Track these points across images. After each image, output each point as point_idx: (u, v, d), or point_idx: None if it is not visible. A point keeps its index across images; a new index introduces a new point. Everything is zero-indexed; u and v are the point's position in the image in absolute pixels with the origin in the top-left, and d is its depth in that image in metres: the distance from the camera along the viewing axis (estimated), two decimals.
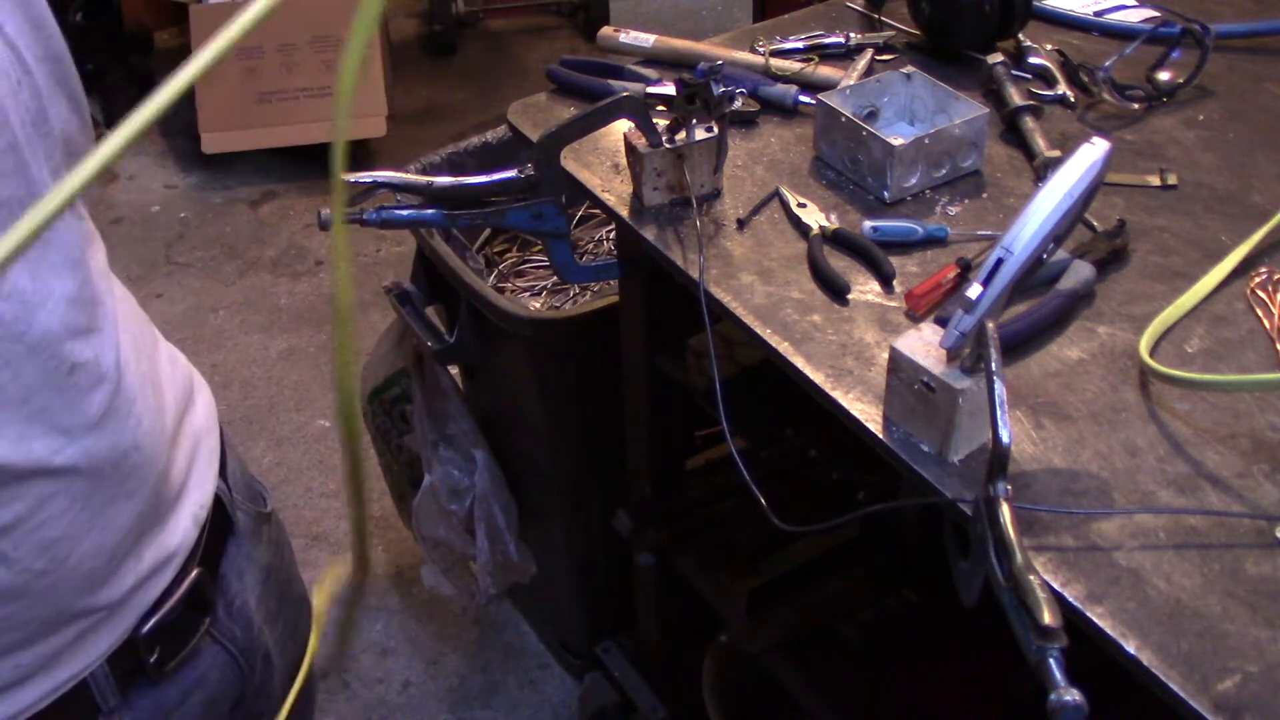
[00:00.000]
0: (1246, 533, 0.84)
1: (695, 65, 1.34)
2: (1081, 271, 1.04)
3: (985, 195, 1.20)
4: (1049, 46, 1.41)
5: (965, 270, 1.06)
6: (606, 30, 1.48)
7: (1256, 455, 0.90)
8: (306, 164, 3.33)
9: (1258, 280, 1.06)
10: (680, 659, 1.70)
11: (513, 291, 1.94)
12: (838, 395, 0.96)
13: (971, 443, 0.90)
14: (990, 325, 0.83)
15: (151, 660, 0.83)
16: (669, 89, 1.29)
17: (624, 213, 1.19)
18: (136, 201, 3.35)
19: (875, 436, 0.93)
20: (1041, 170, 1.21)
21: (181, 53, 3.55)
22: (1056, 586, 0.80)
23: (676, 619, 1.70)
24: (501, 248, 2.02)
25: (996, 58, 1.34)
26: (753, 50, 1.41)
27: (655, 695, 1.78)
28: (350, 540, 0.85)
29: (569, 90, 1.39)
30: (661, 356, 1.39)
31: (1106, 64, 1.32)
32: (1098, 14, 1.48)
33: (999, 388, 0.80)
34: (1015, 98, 1.28)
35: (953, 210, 1.18)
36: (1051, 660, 0.69)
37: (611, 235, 1.95)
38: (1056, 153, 1.22)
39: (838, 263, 1.10)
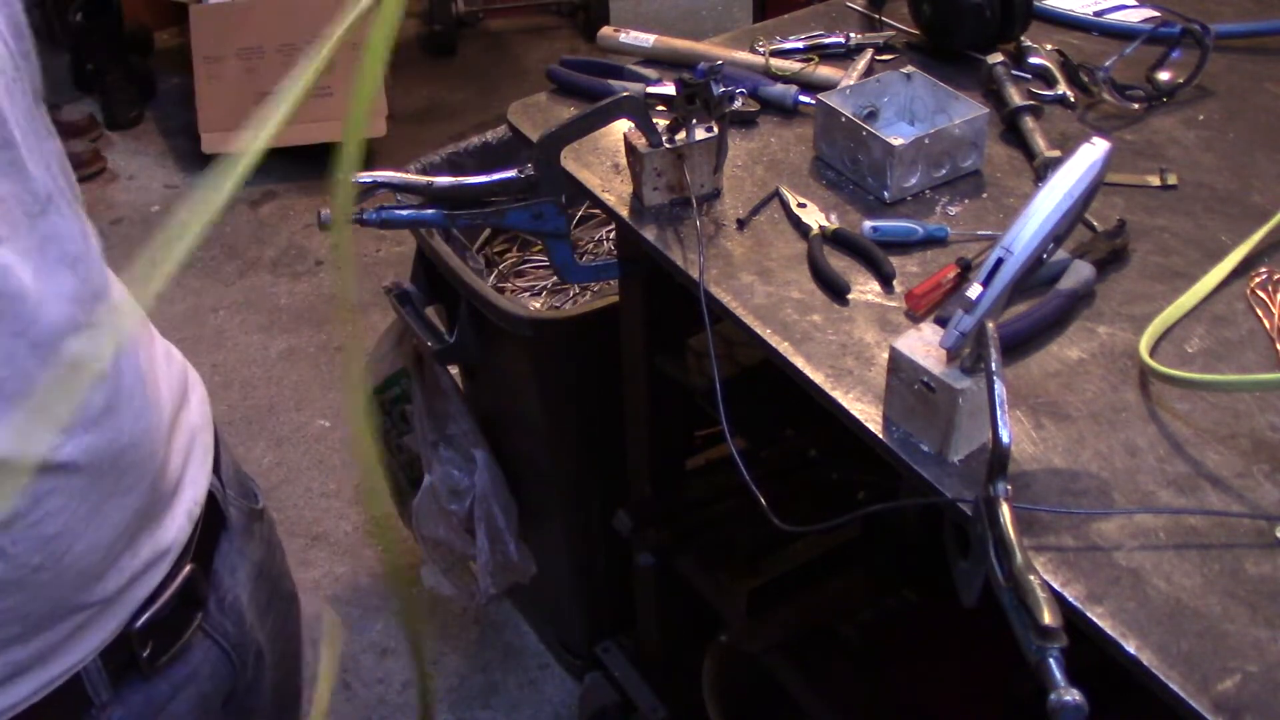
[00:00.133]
0: (1246, 533, 0.84)
1: (695, 65, 1.34)
2: (1081, 271, 1.04)
3: (985, 195, 1.20)
4: (1049, 46, 1.41)
5: (965, 270, 1.06)
6: (606, 30, 1.48)
7: (1256, 455, 0.90)
8: (306, 164, 3.32)
9: (1258, 280, 1.06)
10: (680, 659, 1.70)
11: (513, 291, 1.94)
12: (838, 395, 0.96)
13: (971, 443, 0.90)
14: (990, 325, 0.83)
15: (145, 655, 0.84)
16: (669, 89, 1.29)
17: (624, 213, 1.19)
18: (136, 201, 3.35)
19: (875, 436, 0.93)
20: (1041, 170, 1.21)
21: (181, 53, 3.55)
22: (1056, 586, 0.80)
23: (676, 619, 1.70)
24: (501, 248, 2.02)
25: (996, 58, 1.34)
26: (753, 50, 1.41)
27: (655, 695, 1.78)
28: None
29: (569, 90, 1.39)
30: (661, 356, 1.39)
31: (1106, 64, 1.32)
32: (1098, 14, 1.48)
33: (999, 388, 0.80)
34: (1015, 98, 1.28)
35: (953, 210, 1.18)
36: (1051, 660, 0.69)
37: (611, 235, 1.95)
38: (1056, 153, 1.22)
39: (838, 263, 1.10)
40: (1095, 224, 1.13)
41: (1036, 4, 1.43)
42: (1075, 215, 0.86)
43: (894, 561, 1.47)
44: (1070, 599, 0.79)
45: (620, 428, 1.52)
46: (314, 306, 2.95)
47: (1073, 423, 0.93)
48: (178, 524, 0.86)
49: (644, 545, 1.56)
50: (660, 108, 1.25)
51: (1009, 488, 0.79)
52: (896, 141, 1.15)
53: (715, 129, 1.16)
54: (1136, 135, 1.28)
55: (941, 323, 0.88)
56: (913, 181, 1.19)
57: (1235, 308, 1.04)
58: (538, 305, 1.92)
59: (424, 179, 1.17)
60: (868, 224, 1.13)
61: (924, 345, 0.88)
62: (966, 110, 1.20)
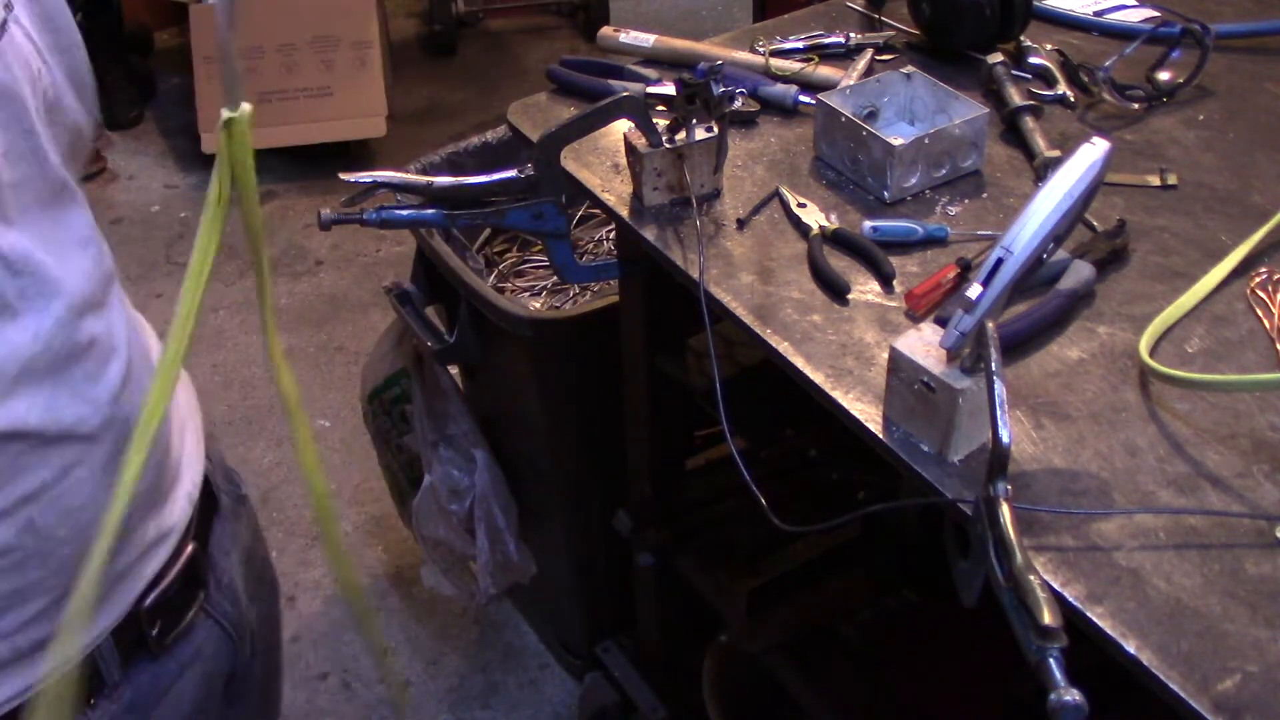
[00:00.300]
0: (1246, 533, 0.84)
1: (695, 65, 1.34)
2: (1081, 271, 1.04)
3: (985, 195, 1.20)
4: (1049, 46, 1.41)
5: (965, 270, 1.06)
6: (606, 30, 1.48)
7: (1256, 455, 0.90)
8: (306, 164, 3.33)
9: (1258, 280, 1.06)
10: (680, 659, 1.70)
11: (513, 291, 1.94)
12: (838, 395, 0.96)
13: (971, 443, 0.90)
14: (990, 325, 0.83)
15: (153, 634, 0.87)
16: (669, 89, 1.29)
17: (624, 213, 1.19)
18: (136, 201, 3.35)
19: (875, 436, 0.93)
20: (1041, 170, 1.21)
21: (181, 53, 3.56)
22: (1056, 586, 0.80)
23: (676, 619, 1.70)
24: (501, 248, 2.02)
25: (996, 58, 1.34)
26: (753, 50, 1.41)
27: (655, 695, 1.78)
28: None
29: (569, 90, 1.39)
30: (661, 356, 1.39)
31: (1106, 64, 1.32)
32: (1098, 14, 1.48)
33: (999, 388, 0.80)
34: (1015, 98, 1.28)
35: (953, 210, 1.18)
36: (1051, 660, 0.69)
37: (611, 235, 1.96)
38: (1056, 153, 1.22)
39: (838, 263, 1.10)
40: (1095, 224, 1.13)
41: (1036, 4, 1.43)
42: (1075, 215, 0.86)
43: (894, 561, 1.47)
44: (1070, 599, 0.79)
45: (620, 428, 1.52)
46: (314, 306, 2.95)
47: (1073, 423, 0.93)
48: (179, 505, 0.90)
49: (644, 545, 1.56)
50: (660, 108, 1.25)
51: (1009, 488, 0.79)
52: (896, 141, 1.15)
53: (715, 129, 1.16)
54: (1136, 135, 1.28)
55: (941, 323, 0.88)
56: (913, 181, 1.19)
57: (1235, 308, 1.04)
58: (538, 305, 1.92)
59: (424, 179, 1.17)
60: (868, 224, 1.14)
61: (924, 345, 0.88)
62: (966, 110, 1.20)
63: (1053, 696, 0.68)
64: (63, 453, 0.76)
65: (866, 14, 1.51)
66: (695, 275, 1.09)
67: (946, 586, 0.84)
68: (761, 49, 1.40)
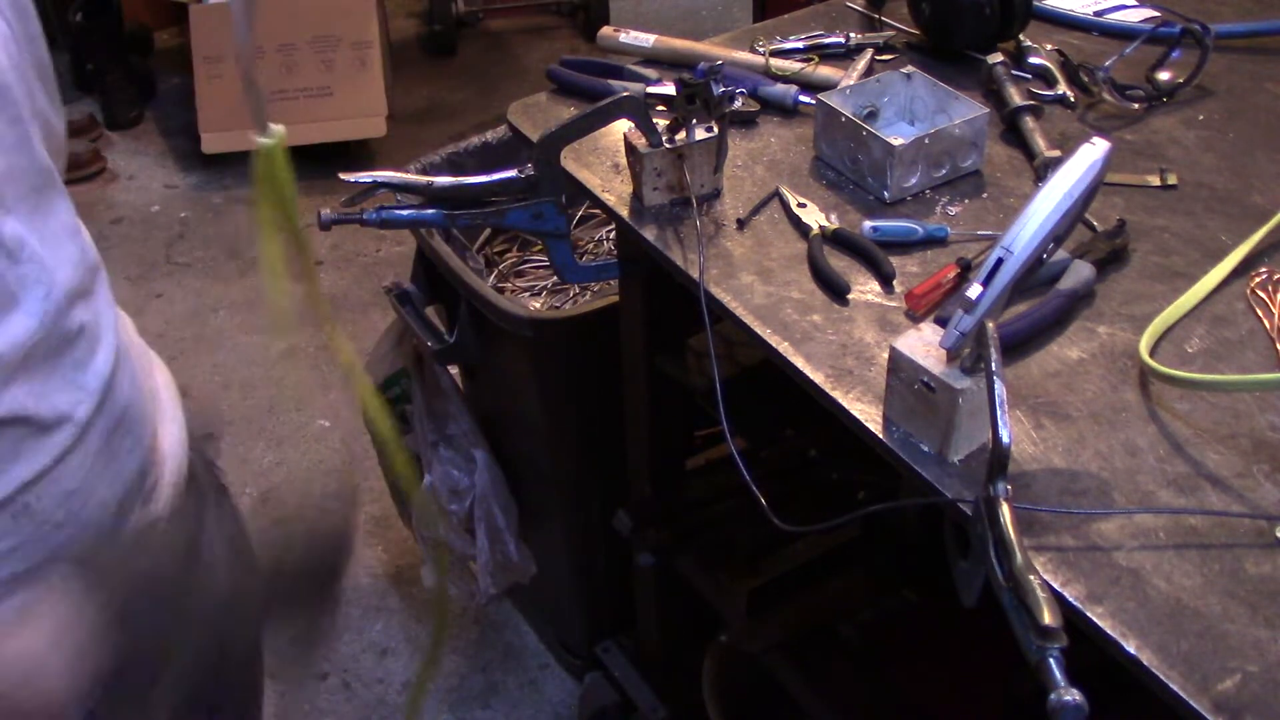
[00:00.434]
0: (1246, 533, 0.84)
1: (695, 65, 1.34)
2: (1081, 271, 1.04)
3: (985, 195, 1.20)
4: (1049, 46, 1.41)
5: (965, 270, 1.06)
6: (606, 30, 1.48)
7: (1256, 455, 0.90)
8: (306, 164, 3.31)
9: (1258, 280, 1.06)
10: (680, 659, 1.70)
11: (513, 291, 1.94)
12: (838, 395, 0.96)
13: (971, 443, 0.90)
14: (990, 325, 0.83)
15: None
16: (669, 89, 1.29)
17: (624, 213, 1.19)
18: (136, 201, 3.35)
19: (875, 436, 0.93)
20: (1041, 170, 1.21)
21: (181, 53, 3.55)
22: (1056, 586, 0.80)
23: (676, 619, 1.70)
24: (501, 248, 2.02)
25: (996, 58, 1.34)
26: (753, 50, 1.41)
27: (655, 695, 1.78)
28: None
29: (569, 90, 1.39)
30: (661, 356, 1.39)
31: (1106, 64, 1.32)
32: (1098, 14, 1.49)
33: (999, 388, 0.80)
34: (1015, 98, 1.28)
35: (953, 210, 1.18)
36: (1051, 660, 0.70)
37: (611, 235, 1.95)
38: (1056, 153, 1.22)
39: (838, 263, 1.10)
40: (1095, 224, 1.13)
41: (1036, 4, 1.44)
42: (1075, 215, 0.86)
43: (894, 561, 1.47)
44: (1070, 599, 0.79)
45: (620, 428, 1.52)
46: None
47: (1073, 423, 0.93)
48: (165, 493, 0.91)
49: (644, 545, 1.56)
50: (660, 108, 1.25)
51: (1009, 488, 0.79)
52: (896, 141, 1.15)
53: (715, 129, 1.16)
54: (1136, 135, 1.28)
55: (941, 323, 0.88)
56: (913, 181, 1.19)
57: (1235, 308, 1.04)
58: (538, 305, 1.92)
59: (424, 179, 1.17)
60: (868, 224, 1.14)
61: (924, 345, 0.88)
62: (966, 110, 1.20)
63: (1053, 696, 0.68)
64: (59, 439, 0.78)
65: (866, 14, 1.51)
66: (695, 275, 1.09)
67: (946, 586, 0.84)
68: (761, 49, 1.40)
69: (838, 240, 1.13)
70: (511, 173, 1.18)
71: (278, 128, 0.78)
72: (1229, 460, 0.89)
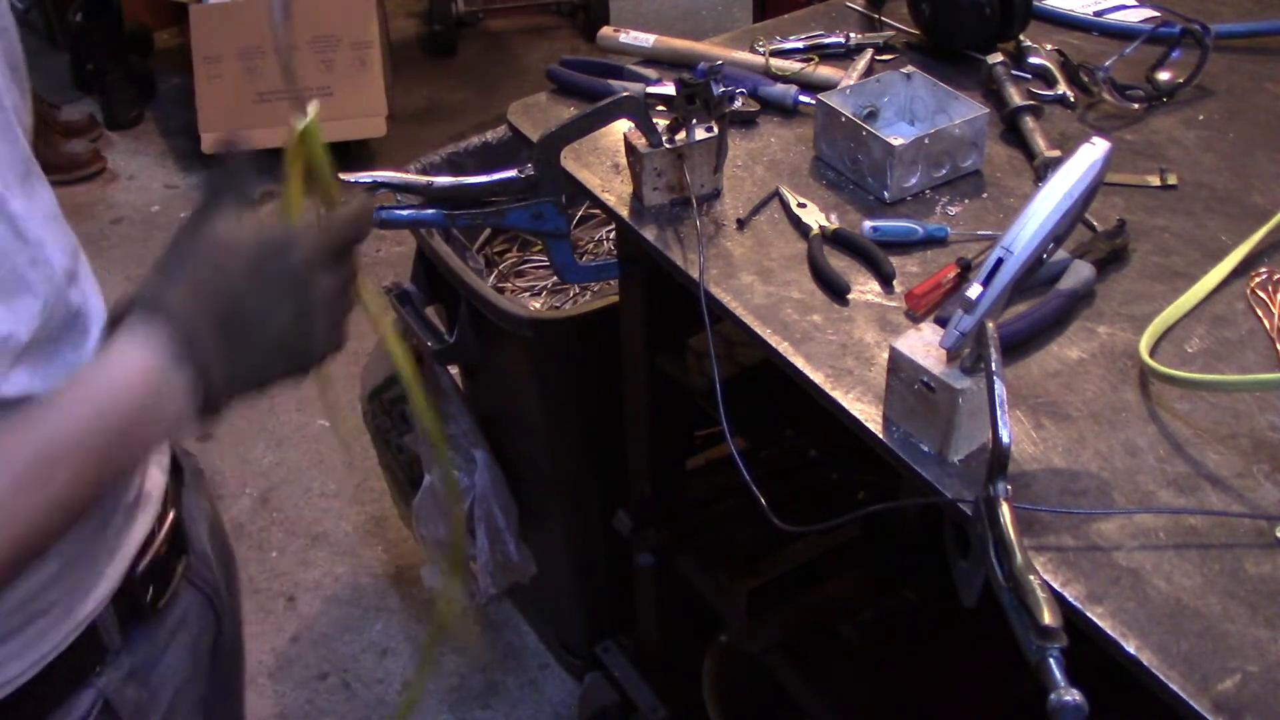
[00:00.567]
0: (1246, 533, 0.84)
1: (695, 65, 1.34)
2: (1081, 271, 1.04)
3: (985, 195, 1.20)
4: (1049, 46, 1.41)
5: (965, 270, 1.06)
6: (606, 30, 1.48)
7: (1256, 455, 0.90)
8: None
9: (1258, 280, 1.06)
10: (680, 659, 1.70)
11: (513, 291, 1.94)
12: (838, 395, 0.96)
13: (971, 443, 0.90)
14: (990, 325, 0.83)
15: (146, 600, 0.90)
16: (669, 89, 1.29)
17: (624, 213, 1.19)
18: (136, 201, 3.35)
19: (875, 436, 0.93)
20: (1041, 170, 1.21)
21: (181, 53, 3.55)
22: (1056, 586, 0.80)
23: (676, 619, 1.70)
24: (501, 248, 2.02)
25: (996, 58, 1.34)
26: (753, 50, 1.41)
27: (655, 695, 1.78)
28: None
29: (569, 90, 1.39)
30: (661, 356, 1.39)
31: (1106, 64, 1.32)
32: (1098, 14, 1.49)
33: (999, 388, 0.80)
34: (1015, 98, 1.28)
35: (953, 210, 1.18)
36: (1051, 660, 0.70)
37: (611, 235, 1.95)
38: (1056, 153, 1.22)
39: (838, 263, 1.10)
40: (1095, 224, 1.13)
41: (1036, 4, 1.43)
42: (1075, 215, 0.86)
43: (894, 561, 1.47)
44: (1070, 599, 0.79)
45: (620, 428, 1.52)
46: None
47: (1073, 423, 0.93)
48: (153, 472, 0.93)
49: (644, 545, 1.56)
50: (660, 108, 1.25)
51: (1009, 488, 0.79)
52: (896, 141, 1.15)
53: (715, 129, 1.16)
54: (1136, 135, 1.28)
55: (941, 323, 0.88)
56: (913, 181, 1.19)
57: (1235, 308, 1.04)
58: (538, 305, 1.92)
59: (424, 179, 1.17)
60: (868, 224, 1.13)
61: (924, 345, 0.88)
62: (966, 110, 1.20)
63: (1053, 696, 0.68)
64: None
65: (866, 14, 1.51)
66: (695, 275, 1.09)
67: (946, 586, 0.84)
68: (761, 49, 1.40)
69: (838, 240, 1.13)
70: (511, 173, 1.18)
71: (312, 106, 0.79)
72: (1229, 460, 0.89)
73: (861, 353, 1.00)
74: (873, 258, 1.10)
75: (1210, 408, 0.94)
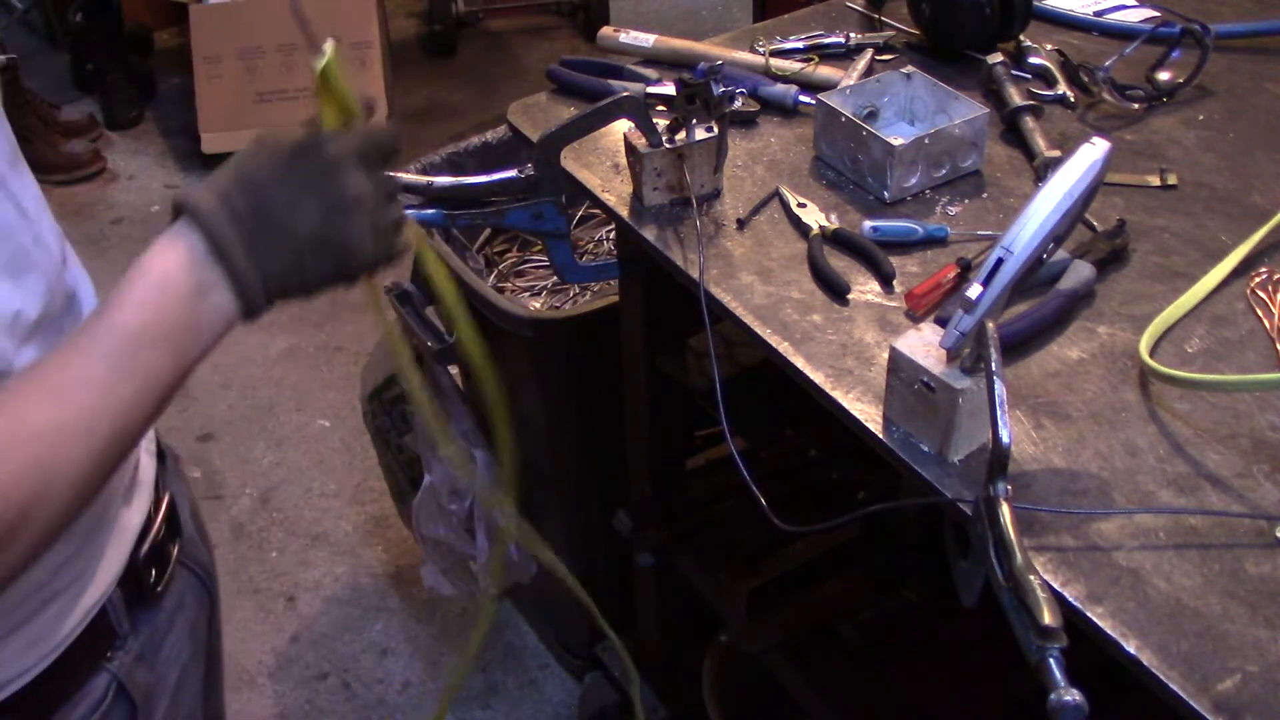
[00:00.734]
0: (1246, 533, 0.84)
1: (695, 65, 1.34)
2: (1081, 271, 1.04)
3: (985, 195, 1.20)
4: (1049, 46, 1.41)
5: (965, 270, 1.06)
6: (606, 30, 1.48)
7: (1256, 455, 0.90)
8: None
9: (1258, 280, 1.06)
10: (680, 659, 1.70)
11: (513, 291, 1.94)
12: (838, 395, 0.96)
13: (971, 443, 0.90)
14: (990, 325, 0.83)
15: (149, 582, 0.93)
16: (669, 89, 1.29)
17: (624, 213, 1.19)
18: (136, 202, 3.34)
19: (875, 436, 0.93)
20: (1041, 170, 1.21)
21: (181, 53, 3.55)
22: (1056, 586, 0.80)
23: (676, 619, 1.70)
24: (501, 248, 2.02)
25: (996, 58, 1.34)
26: (753, 50, 1.41)
27: (655, 695, 1.78)
28: None
29: (569, 90, 1.39)
30: (661, 356, 1.39)
31: (1106, 64, 1.32)
32: (1098, 14, 1.49)
33: (999, 388, 0.80)
34: (1015, 98, 1.28)
35: (953, 210, 1.18)
36: (1051, 660, 0.70)
37: (611, 235, 1.95)
38: (1056, 153, 1.22)
39: (838, 263, 1.10)
40: (1095, 224, 1.13)
41: (1036, 4, 1.43)
42: (1075, 215, 0.86)
43: (894, 561, 1.47)
44: (1070, 599, 0.79)
45: (620, 428, 1.52)
46: (314, 306, 2.94)
47: (1073, 423, 0.93)
48: (144, 459, 0.95)
49: (644, 545, 1.56)
50: (660, 108, 1.25)
51: (1009, 488, 0.79)
52: (896, 141, 1.15)
53: (715, 129, 1.16)
54: (1136, 135, 1.28)
55: (941, 323, 0.88)
56: (913, 181, 1.19)
57: (1235, 308, 1.04)
58: (538, 305, 1.92)
59: (424, 179, 1.17)
60: (868, 224, 1.13)
61: (924, 345, 0.88)
62: (966, 110, 1.20)
63: (1053, 696, 0.68)
64: None
65: (866, 14, 1.51)
66: (695, 275, 1.09)
67: (946, 586, 0.84)
68: (761, 49, 1.40)
69: (838, 240, 1.13)
70: (511, 173, 1.18)
71: (328, 44, 0.79)
72: (1229, 460, 0.89)
73: (861, 353, 1.00)
74: (873, 258, 1.10)
75: (1210, 408, 0.94)
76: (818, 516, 0.96)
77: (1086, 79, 1.33)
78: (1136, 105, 1.32)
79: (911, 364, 0.88)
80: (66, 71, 3.78)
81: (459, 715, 2.03)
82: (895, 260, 1.10)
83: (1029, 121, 1.26)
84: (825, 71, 1.37)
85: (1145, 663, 0.76)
